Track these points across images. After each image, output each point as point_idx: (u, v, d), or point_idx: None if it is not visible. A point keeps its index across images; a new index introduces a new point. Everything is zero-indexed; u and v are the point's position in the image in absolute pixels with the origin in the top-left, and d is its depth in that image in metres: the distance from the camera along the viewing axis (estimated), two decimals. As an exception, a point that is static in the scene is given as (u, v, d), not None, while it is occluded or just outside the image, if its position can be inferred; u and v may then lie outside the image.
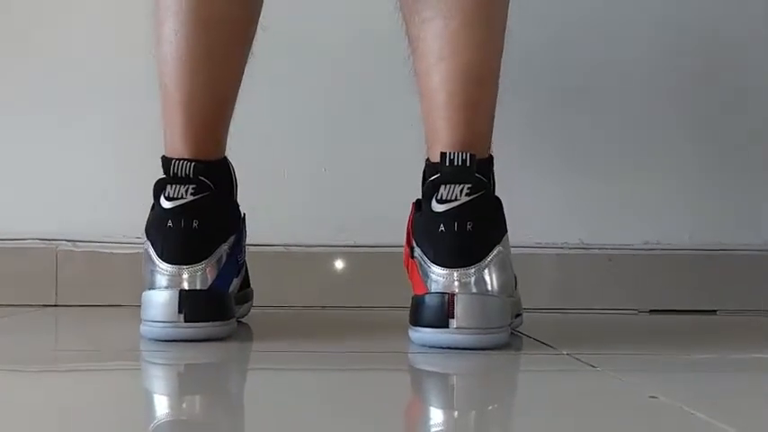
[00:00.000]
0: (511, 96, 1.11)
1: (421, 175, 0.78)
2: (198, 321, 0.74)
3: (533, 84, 1.12)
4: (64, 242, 1.09)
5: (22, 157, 1.10)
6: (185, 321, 0.73)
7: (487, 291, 0.72)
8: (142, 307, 0.76)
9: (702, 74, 1.13)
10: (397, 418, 0.54)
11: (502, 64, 0.77)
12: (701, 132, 1.13)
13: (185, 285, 0.74)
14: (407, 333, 0.75)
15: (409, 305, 0.76)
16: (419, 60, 0.76)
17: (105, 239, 1.09)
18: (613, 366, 0.67)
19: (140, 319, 0.76)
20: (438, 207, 0.73)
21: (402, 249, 0.80)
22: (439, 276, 0.72)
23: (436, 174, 0.73)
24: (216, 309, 0.75)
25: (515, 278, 0.80)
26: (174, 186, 0.76)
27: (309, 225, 1.10)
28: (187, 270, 0.75)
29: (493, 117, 0.77)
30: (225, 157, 0.82)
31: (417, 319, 0.73)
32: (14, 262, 1.08)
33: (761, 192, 1.13)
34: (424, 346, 0.73)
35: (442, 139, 0.75)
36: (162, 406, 0.57)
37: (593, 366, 0.66)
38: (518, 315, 0.83)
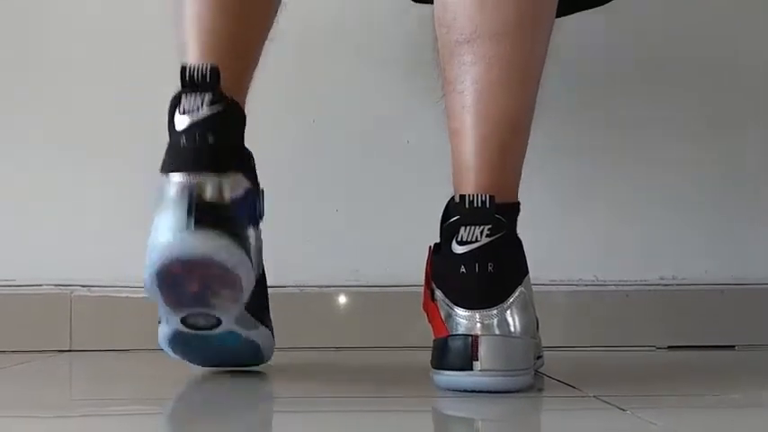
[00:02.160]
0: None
1: (440, 215, 0.78)
2: (209, 228, 0.69)
3: (547, 118, 1.12)
4: (78, 287, 1.08)
5: (35, 200, 1.10)
6: (195, 228, 0.68)
7: (510, 332, 0.71)
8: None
9: (717, 108, 1.13)
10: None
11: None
12: (716, 168, 1.13)
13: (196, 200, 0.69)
14: (426, 375, 0.74)
15: (424, 345, 0.75)
16: (453, 101, 0.76)
17: (119, 284, 1.08)
18: (642, 408, 0.66)
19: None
20: (458, 249, 0.72)
21: (417, 290, 0.80)
22: (461, 318, 0.71)
23: (456, 215, 0.73)
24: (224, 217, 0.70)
25: (537, 320, 0.79)
26: (190, 96, 0.71)
27: (323, 265, 1.09)
28: (197, 178, 0.70)
29: (522, 162, 0.77)
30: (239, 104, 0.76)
31: (440, 361, 0.72)
32: (29, 307, 1.07)
33: (776, 225, 1.12)
34: (447, 389, 0.72)
35: (470, 182, 0.74)
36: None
37: (622, 409, 0.65)
38: (539, 357, 0.83)
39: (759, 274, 1.11)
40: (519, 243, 0.76)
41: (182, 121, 0.71)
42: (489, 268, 0.71)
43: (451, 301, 0.72)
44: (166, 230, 0.69)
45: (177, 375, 0.82)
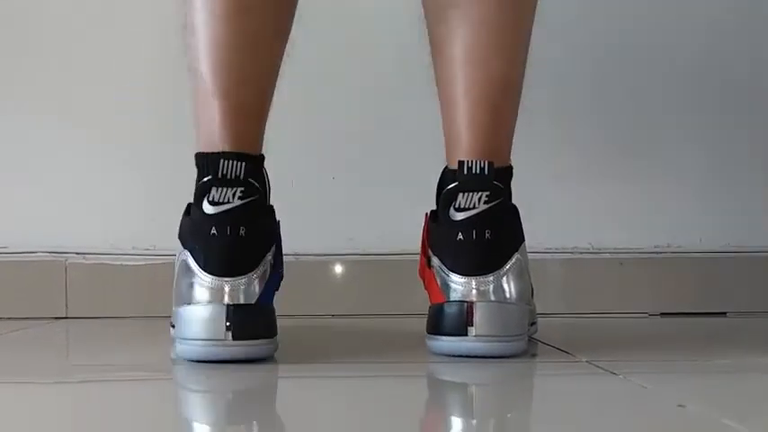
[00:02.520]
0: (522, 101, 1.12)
1: (436, 183, 0.78)
2: (248, 339, 0.67)
3: (541, 87, 1.12)
4: (73, 255, 1.08)
5: (29, 168, 1.10)
6: (233, 339, 0.67)
7: (506, 299, 0.72)
8: (178, 324, 0.69)
9: (714, 76, 1.13)
10: (419, 426, 0.53)
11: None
12: (711, 135, 1.13)
13: (228, 300, 0.68)
14: (422, 341, 0.74)
15: (420, 313, 0.76)
16: (443, 67, 0.75)
17: (114, 251, 1.08)
18: (634, 372, 0.67)
19: (172, 338, 0.71)
20: (456, 215, 0.72)
21: (412, 258, 0.80)
22: (457, 285, 0.72)
23: (453, 182, 0.73)
24: (265, 325, 0.69)
25: (532, 287, 0.80)
26: (221, 189, 0.69)
27: (319, 234, 1.09)
28: (231, 283, 0.68)
29: (514, 126, 0.77)
30: (263, 156, 0.75)
31: (435, 327, 0.72)
32: (24, 275, 1.07)
33: (770, 193, 1.13)
34: (442, 354, 0.72)
35: (464, 147, 0.74)
36: (185, 415, 0.56)
37: (614, 373, 0.66)
38: (533, 323, 0.83)
39: (752, 242, 1.11)
40: (515, 210, 0.76)
41: (212, 210, 0.69)
42: (487, 235, 0.72)
43: (448, 268, 0.72)
44: (202, 340, 0.68)
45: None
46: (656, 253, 1.11)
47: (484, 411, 0.58)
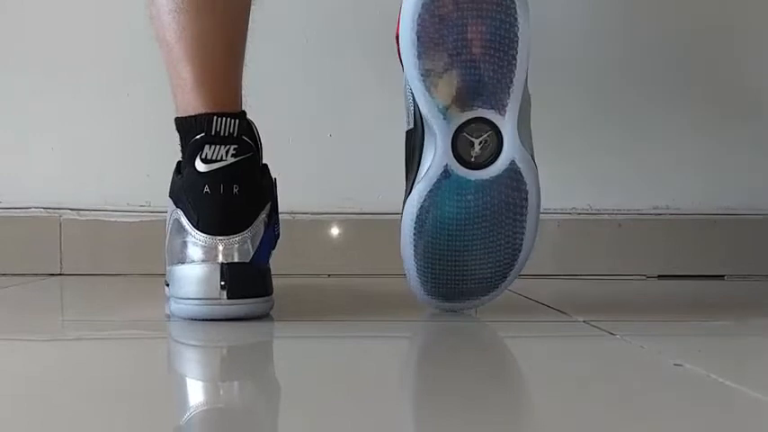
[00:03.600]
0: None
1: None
2: (242, 298, 0.67)
3: (540, 49, 1.10)
4: (68, 211, 1.08)
5: (24, 125, 1.09)
6: (228, 298, 0.67)
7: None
8: (172, 282, 0.69)
9: (708, 40, 1.11)
10: (412, 384, 0.53)
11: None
12: (710, 96, 1.12)
13: (222, 258, 0.67)
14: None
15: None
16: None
17: (109, 208, 1.08)
18: (632, 333, 0.66)
19: (167, 296, 0.71)
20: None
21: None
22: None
23: None
24: (260, 284, 0.69)
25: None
26: (213, 147, 0.68)
27: (315, 192, 1.09)
28: (224, 241, 0.67)
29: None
30: (245, 112, 0.73)
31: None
32: (18, 231, 1.06)
33: (770, 156, 1.12)
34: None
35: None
36: (180, 370, 0.56)
37: (612, 333, 0.66)
38: None
39: (751, 204, 1.11)
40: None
41: (204, 168, 0.68)
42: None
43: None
44: (197, 299, 0.67)
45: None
46: (656, 215, 1.11)
47: (478, 371, 0.57)
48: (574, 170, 1.11)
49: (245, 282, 0.68)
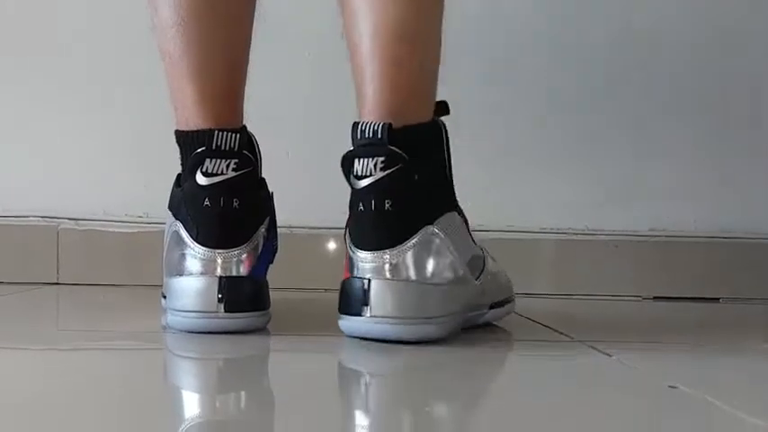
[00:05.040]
0: (517, 84, 1.11)
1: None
2: (240, 312, 0.67)
3: (539, 71, 1.11)
4: (66, 220, 1.08)
5: (24, 134, 1.09)
6: (225, 311, 0.66)
7: (408, 277, 0.65)
8: (169, 295, 0.69)
9: (707, 60, 1.12)
10: (405, 398, 0.53)
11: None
12: (706, 119, 1.13)
13: (221, 272, 0.67)
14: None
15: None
16: (346, 17, 0.70)
17: (107, 218, 1.08)
18: (627, 354, 0.66)
19: (164, 308, 0.71)
20: (357, 183, 0.67)
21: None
22: (359, 260, 0.66)
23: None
24: (258, 298, 0.69)
25: (483, 262, 0.73)
26: (214, 161, 0.68)
27: (312, 207, 1.09)
28: (223, 255, 0.67)
29: (430, 78, 0.70)
30: (245, 127, 0.73)
31: (339, 305, 0.68)
32: (16, 239, 1.07)
33: (767, 179, 1.12)
34: (350, 336, 0.67)
35: (366, 104, 0.68)
36: (173, 382, 0.56)
37: (607, 354, 0.66)
38: (499, 304, 0.76)
39: (747, 228, 1.11)
40: (434, 173, 0.69)
41: (205, 181, 0.68)
42: (387, 206, 0.65)
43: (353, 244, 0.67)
44: (194, 312, 0.67)
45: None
46: (652, 236, 1.11)
47: (473, 387, 0.57)
48: (570, 191, 1.11)
49: (243, 296, 0.68)
